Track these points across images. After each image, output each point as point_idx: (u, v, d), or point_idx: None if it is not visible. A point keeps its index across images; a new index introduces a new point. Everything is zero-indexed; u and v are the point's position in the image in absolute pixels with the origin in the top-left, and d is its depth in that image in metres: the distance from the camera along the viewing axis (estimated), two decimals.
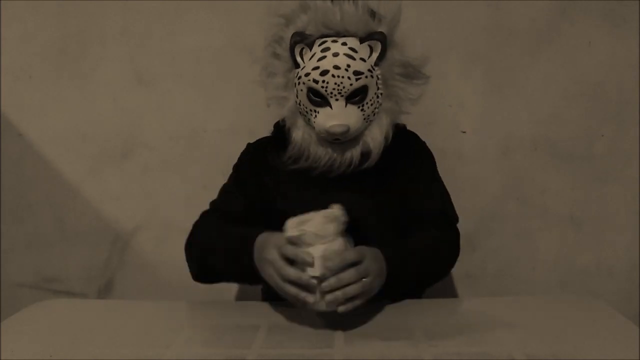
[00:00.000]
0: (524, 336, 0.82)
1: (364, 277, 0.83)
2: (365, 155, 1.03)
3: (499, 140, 1.46)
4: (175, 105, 1.46)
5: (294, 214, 0.95)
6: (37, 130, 1.48)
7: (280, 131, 1.09)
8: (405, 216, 1.11)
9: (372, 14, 1.01)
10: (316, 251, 0.79)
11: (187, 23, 1.42)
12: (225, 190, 1.15)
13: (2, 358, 0.78)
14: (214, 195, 1.47)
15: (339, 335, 0.83)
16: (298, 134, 1.03)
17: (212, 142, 1.47)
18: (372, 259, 0.86)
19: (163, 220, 1.51)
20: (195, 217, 1.49)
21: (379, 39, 0.98)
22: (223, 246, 0.98)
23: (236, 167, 1.17)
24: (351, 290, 0.81)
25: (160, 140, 1.48)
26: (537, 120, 1.44)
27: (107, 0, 1.41)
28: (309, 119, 1.02)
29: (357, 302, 0.83)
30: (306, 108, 1.01)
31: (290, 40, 0.99)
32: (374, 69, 0.99)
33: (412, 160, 1.11)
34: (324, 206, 1.04)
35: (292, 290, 0.82)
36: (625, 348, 0.78)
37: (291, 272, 0.82)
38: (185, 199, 1.50)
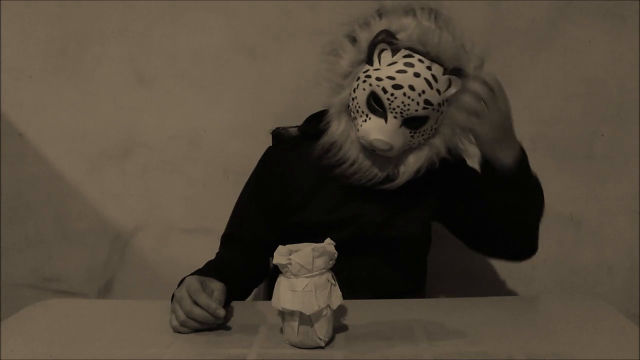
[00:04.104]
0: (524, 336, 0.82)
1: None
2: (391, 177, 1.00)
3: None
4: (175, 105, 1.46)
5: (312, 224, 0.96)
6: (37, 130, 1.48)
7: (311, 125, 1.05)
8: (428, 233, 1.11)
9: (463, 48, 0.97)
10: (299, 284, 0.76)
11: (187, 23, 1.42)
12: (240, 207, 1.11)
13: (2, 358, 0.78)
14: (214, 195, 1.49)
15: (339, 335, 0.83)
16: (338, 127, 0.99)
17: (212, 142, 1.47)
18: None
19: (163, 220, 1.51)
20: (195, 216, 1.51)
21: (461, 77, 0.94)
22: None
23: (256, 172, 1.13)
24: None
25: (160, 140, 1.48)
26: (537, 120, 1.44)
27: (107, 0, 1.41)
28: (355, 118, 0.97)
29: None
30: (359, 108, 0.96)
31: (378, 34, 0.93)
32: (443, 104, 0.95)
33: (446, 176, 1.07)
34: (344, 216, 1.04)
35: (194, 324, 0.83)
36: (625, 348, 0.78)
37: (196, 311, 0.82)
38: (185, 199, 1.50)
